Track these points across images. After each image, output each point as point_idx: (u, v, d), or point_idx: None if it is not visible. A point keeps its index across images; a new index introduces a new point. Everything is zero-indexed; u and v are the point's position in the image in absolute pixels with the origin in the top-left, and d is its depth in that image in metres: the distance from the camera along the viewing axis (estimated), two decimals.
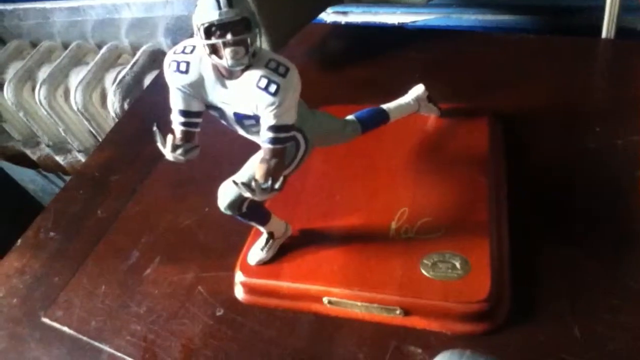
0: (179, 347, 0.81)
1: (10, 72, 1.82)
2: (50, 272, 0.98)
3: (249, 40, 0.55)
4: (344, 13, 1.35)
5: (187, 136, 0.63)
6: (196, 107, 0.63)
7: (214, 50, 0.56)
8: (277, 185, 0.58)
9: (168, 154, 0.62)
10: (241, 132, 0.66)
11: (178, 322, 0.84)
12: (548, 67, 1.01)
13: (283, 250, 0.81)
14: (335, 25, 1.28)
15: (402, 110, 0.84)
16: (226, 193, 0.68)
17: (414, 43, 1.17)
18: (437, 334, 0.72)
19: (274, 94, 0.57)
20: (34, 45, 1.90)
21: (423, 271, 0.72)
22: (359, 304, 0.74)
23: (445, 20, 1.26)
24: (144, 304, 0.88)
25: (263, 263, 0.80)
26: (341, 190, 0.85)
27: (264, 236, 0.80)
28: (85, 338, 0.87)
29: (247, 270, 0.81)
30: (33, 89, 1.74)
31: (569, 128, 0.89)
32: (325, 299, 0.76)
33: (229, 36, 0.54)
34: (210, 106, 0.63)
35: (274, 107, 0.58)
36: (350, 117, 0.80)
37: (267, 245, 0.79)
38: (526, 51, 1.06)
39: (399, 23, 1.30)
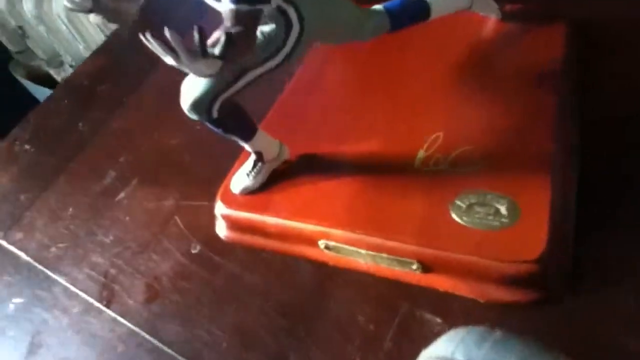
0: (142, 287, 0.66)
1: None
2: (18, 189, 0.84)
3: None
4: None
5: None
6: None
7: None
8: (216, 51, 0.39)
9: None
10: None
11: (146, 256, 0.69)
12: None
13: (276, 178, 0.63)
14: None
15: (449, 4, 0.63)
16: (188, 86, 0.50)
17: None
18: (464, 300, 0.53)
19: None
20: None
21: (454, 215, 0.53)
22: (363, 252, 0.56)
23: None
24: (112, 232, 0.73)
25: (249, 192, 0.63)
26: (359, 105, 0.66)
27: (251, 157, 0.62)
28: (40, 266, 0.73)
29: (229, 200, 0.63)
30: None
31: None
32: (321, 243, 0.58)
33: None
34: None
35: None
36: (377, 6, 0.60)
37: (255, 170, 0.62)
38: None
39: None
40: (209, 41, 0.41)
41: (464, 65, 0.65)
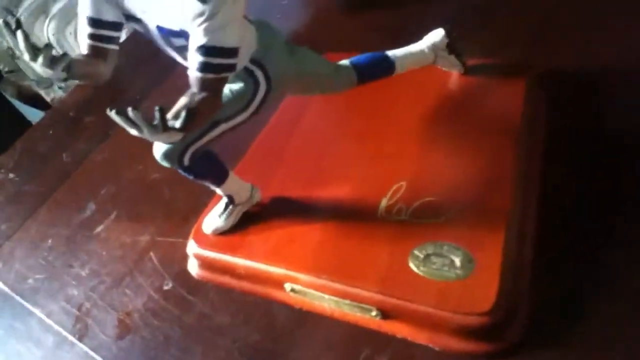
0: (114, 322, 0.68)
1: (26, 3, 1.71)
2: (1, 217, 0.86)
3: None
4: None
5: (96, 53, 0.48)
6: (110, 15, 0.47)
7: None
8: (177, 124, 0.41)
9: (36, 66, 0.47)
10: (177, 57, 0.50)
11: (120, 291, 0.71)
12: (617, 19, 0.79)
13: (248, 220, 0.65)
14: None
15: (412, 60, 0.66)
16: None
17: None
18: (423, 348, 0.55)
19: (204, 1, 0.40)
20: None
21: (412, 265, 0.55)
22: (327, 297, 0.58)
23: None
24: (89, 265, 0.75)
25: (221, 233, 0.65)
26: (331, 153, 0.69)
27: (223, 200, 0.64)
28: (17, 297, 0.75)
29: (201, 240, 0.66)
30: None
31: (634, 100, 0.69)
32: (288, 286, 0.60)
33: None
34: (129, 16, 0.47)
35: (204, 18, 0.41)
36: (344, 61, 0.63)
37: (226, 212, 0.64)
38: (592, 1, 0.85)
39: None
40: (173, 110, 0.43)
41: (428, 118, 0.68)
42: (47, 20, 1.60)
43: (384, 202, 0.61)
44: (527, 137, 0.64)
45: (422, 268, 0.55)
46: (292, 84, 0.56)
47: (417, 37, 0.70)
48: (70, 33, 1.60)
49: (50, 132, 0.98)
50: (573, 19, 0.82)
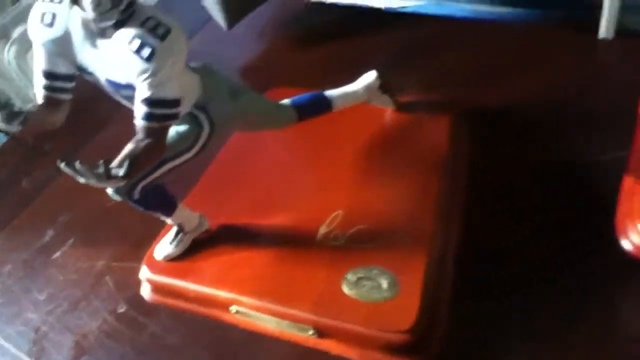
0: (70, 344, 0.71)
1: None
2: None
3: None
4: None
5: (51, 103, 0.53)
6: (63, 68, 0.52)
7: None
8: (121, 173, 0.47)
9: None
10: (125, 103, 0.55)
11: (76, 315, 0.74)
12: (536, 64, 0.88)
13: (197, 247, 0.70)
14: (312, 3, 1.15)
15: (348, 99, 0.72)
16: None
17: (395, 27, 1.05)
18: None
19: (148, 60, 0.46)
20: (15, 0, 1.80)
21: (344, 287, 0.61)
22: (268, 318, 0.63)
23: (436, 8, 1.13)
24: (47, 290, 0.79)
25: (171, 259, 0.70)
26: (275, 184, 0.74)
27: (174, 228, 0.69)
28: None
29: (153, 265, 0.70)
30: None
31: (548, 136, 0.76)
32: (233, 308, 0.65)
33: None
34: (81, 69, 0.52)
35: (147, 75, 0.46)
36: (285, 101, 0.69)
37: (177, 240, 0.69)
38: (516, 44, 0.93)
39: (385, 7, 1.17)
40: (118, 158, 0.48)
41: (363, 151, 0.75)
42: (7, 45, 1.62)
43: (322, 229, 0.67)
44: (451, 169, 0.71)
45: (353, 290, 0.61)
46: (235, 124, 0.62)
47: (361, 73, 0.77)
48: (31, 57, 1.62)
49: (12, 157, 1.02)
50: (498, 61, 0.90)
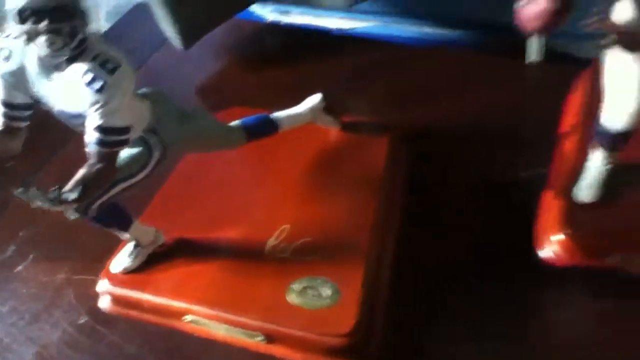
0: (32, 355, 0.75)
1: None
2: None
3: (68, 29, 0.49)
4: (285, 12, 1.28)
5: (8, 130, 0.57)
6: (20, 98, 0.56)
7: (31, 37, 0.49)
8: (71, 197, 0.51)
9: None
10: (78, 131, 0.59)
11: (38, 326, 0.78)
12: (471, 86, 0.95)
13: (153, 260, 0.74)
14: (268, 25, 1.21)
15: (294, 120, 0.78)
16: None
17: (344, 50, 1.11)
18: None
19: (99, 92, 0.51)
20: None
21: (290, 296, 0.66)
22: (220, 325, 0.68)
23: (384, 29, 1.20)
24: (9, 303, 0.82)
25: (129, 272, 0.74)
26: (226, 199, 0.79)
27: (131, 243, 0.73)
28: None
29: (111, 278, 0.74)
30: None
31: (479, 154, 0.83)
32: (187, 317, 0.70)
33: (43, 23, 0.48)
34: (37, 100, 0.57)
35: (98, 106, 0.51)
36: (235, 123, 0.74)
37: (134, 253, 0.73)
38: (454, 68, 1.01)
39: (336, 29, 1.23)
40: (71, 182, 0.53)
41: (309, 168, 0.80)
42: None
43: (270, 242, 0.73)
44: (388, 186, 0.77)
45: (298, 299, 0.66)
46: (186, 145, 0.66)
47: (312, 93, 0.83)
48: None
49: None
50: (436, 83, 0.97)
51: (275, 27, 1.23)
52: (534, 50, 0.94)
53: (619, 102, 0.60)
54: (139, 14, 0.99)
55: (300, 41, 1.18)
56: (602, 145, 0.66)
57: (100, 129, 0.52)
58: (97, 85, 0.50)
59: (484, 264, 0.72)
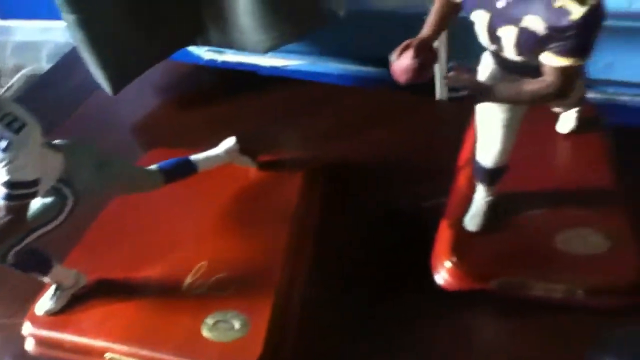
0: None
1: None
2: None
3: None
4: (219, 52, 1.34)
5: None
6: None
7: None
8: None
9: None
10: None
11: None
12: (388, 122, 1.02)
13: (75, 301, 0.77)
14: (203, 65, 1.26)
15: (212, 162, 0.83)
16: None
17: (274, 88, 1.17)
18: None
19: (4, 150, 0.55)
20: None
21: (204, 331, 0.71)
22: None
23: (314, 66, 1.27)
24: None
25: (52, 313, 0.77)
26: (148, 239, 0.83)
27: (53, 286, 0.76)
28: None
29: (35, 320, 0.77)
30: None
31: (388, 186, 0.90)
32: (107, 355, 0.73)
33: None
34: None
35: (5, 163, 0.55)
36: (153, 167, 0.78)
37: (55, 295, 0.76)
38: (373, 104, 1.07)
39: (270, 66, 1.30)
40: None
41: (226, 206, 0.85)
42: None
43: (188, 279, 0.77)
44: (302, 219, 0.82)
45: (211, 333, 0.70)
46: (105, 191, 0.71)
47: (239, 132, 0.89)
48: None
49: None
50: (353, 120, 1.04)
51: (209, 67, 1.28)
52: (442, 88, 1.01)
53: (486, 143, 0.67)
54: (77, 55, 1.03)
55: (233, 80, 1.23)
56: (480, 180, 0.72)
57: (8, 184, 0.56)
58: (3, 144, 0.55)
59: (389, 288, 0.77)
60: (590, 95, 1.00)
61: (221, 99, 1.18)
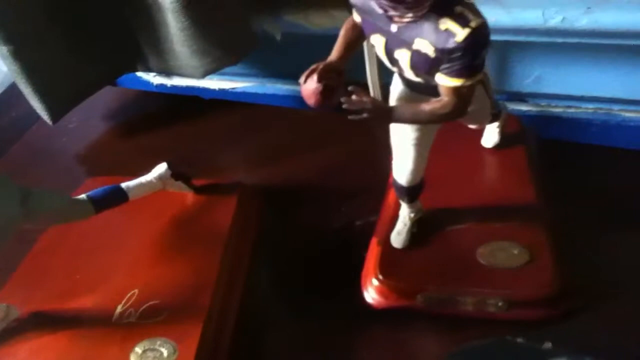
0: None
1: None
2: None
3: None
4: (168, 76, 1.34)
5: None
6: None
7: None
8: None
9: None
10: None
11: None
12: (328, 143, 1.03)
13: (7, 334, 0.76)
14: (145, 92, 1.27)
15: (143, 189, 0.83)
16: None
17: (220, 111, 1.19)
18: None
19: None
20: None
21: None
22: None
23: (262, 88, 1.28)
24: None
25: None
26: (82, 268, 0.83)
27: None
28: None
29: None
30: None
31: (324, 206, 0.91)
32: None
33: None
34: None
35: None
36: (82, 196, 0.78)
37: None
38: (314, 126, 1.08)
39: (219, 89, 1.30)
40: None
41: (160, 232, 0.85)
42: None
43: (119, 308, 0.76)
44: (236, 243, 0.83)
45: None
46: (30, 222, 0.71)
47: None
48: None
49: None
50: (291, 142, 1.05)
51: (156, 92, 1.28)
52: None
53: (400, 161, 0.68)
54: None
55: (178, 105, 1.24)
56: (400, 198, 0.74)
57: None
58: None
59: (323, 310, 0.78)
60: (524, 108, 1.03)
61: (165, 125, 1.19)
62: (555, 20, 0.83)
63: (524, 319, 0.68)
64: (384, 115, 0.57)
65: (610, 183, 0.86)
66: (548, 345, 0.65)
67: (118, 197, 0.81)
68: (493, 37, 0.91)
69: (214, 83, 1.30)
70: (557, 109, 1.05)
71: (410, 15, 0.51)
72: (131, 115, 1.24)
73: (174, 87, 1.36)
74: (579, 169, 0.88)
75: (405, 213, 0.75)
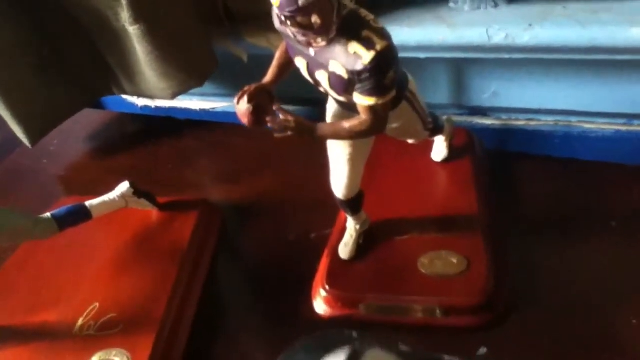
0: None
1: None
2: None
3: None
4: (152, 97, 1.39)
5: None
6: None
7: None
8: None
9: None
10: None
11: None
12: (288, 161, 1.07)
13: None
14: (123, 113, 1.31)
15: (106, 207, 0.87)
16: None
17: (194, 131, 1.23)
18: None
19: None
20: None
21: None
22: None
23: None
24: None
25: None
26: (48, 283, 0.86)
27: None
28: None
29: None
30: None
31: (281, 220, 0.94)
32: None
33: None
34: None
35: None
36: (45, 215, 0.82)
37: None
38: (265, 145, 1.11)
39: (200, 109, 1.35)
40: None
41: (123, 247, 0.89)
42: None
43: (80, 322, 0.80)
44: (194, 256, 0.86)
45: None
46: None
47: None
48: None
49: None
50: (260, 159, 1.09)
51: (137, 114, 1.33)
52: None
53: (336, 176, 0.71)
54: None
55: (158, 126, 1.28)
56: (343, 210, 0.76)
57: None
58: None
59: (279, 320, 0.80)
60: (488, 122, 1.06)
61: (142, 145, 1.24)
62: (499, 37, 0.86)
63: (460, 326, 0.70)
64: (307, 132, 0.60)
65: (552, 192, 0.88)
66: (483, 350, 0.66)
67: (81, 215, 0.84)
68: (443, 55, 0.95)
69: (195, 104, 1.35)
70: (519, 122, 1.07)
71: (319, 40, 0.54)
72: (110, 137, 1.29)
73: (158, 108, 1.41)
74: (525, 180, 0.90)
75: (351, 225, 0.78)
